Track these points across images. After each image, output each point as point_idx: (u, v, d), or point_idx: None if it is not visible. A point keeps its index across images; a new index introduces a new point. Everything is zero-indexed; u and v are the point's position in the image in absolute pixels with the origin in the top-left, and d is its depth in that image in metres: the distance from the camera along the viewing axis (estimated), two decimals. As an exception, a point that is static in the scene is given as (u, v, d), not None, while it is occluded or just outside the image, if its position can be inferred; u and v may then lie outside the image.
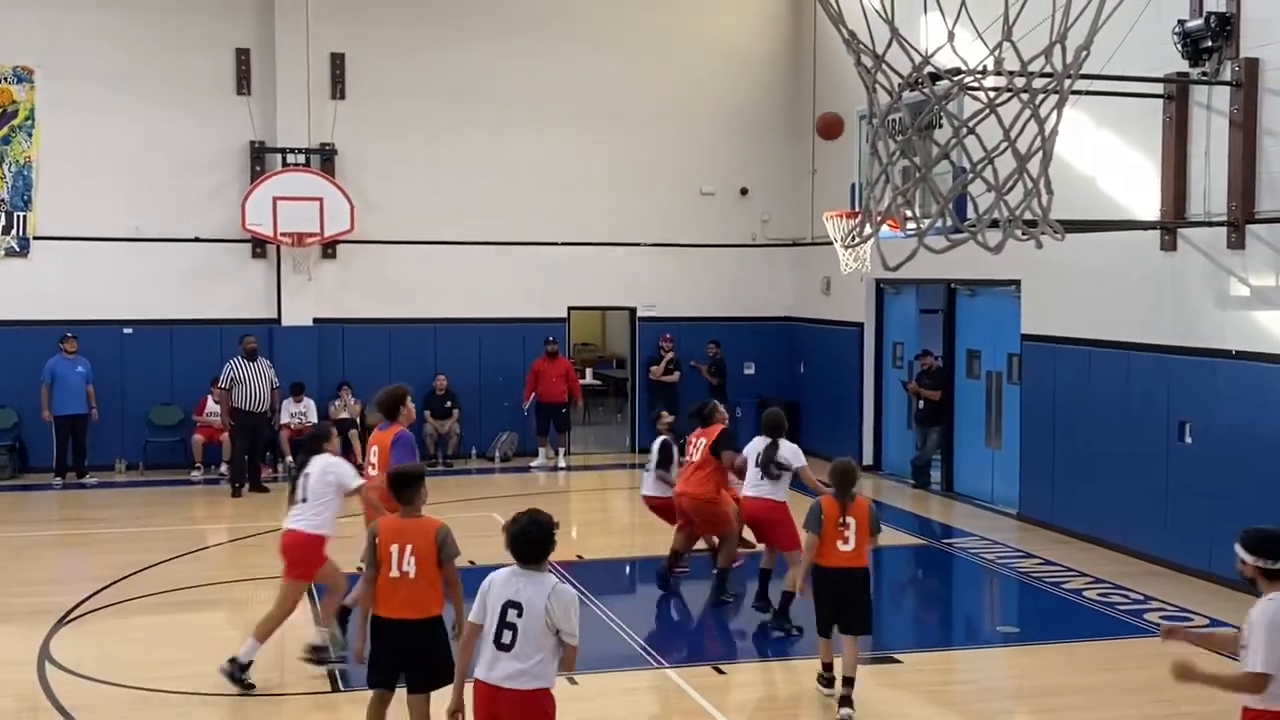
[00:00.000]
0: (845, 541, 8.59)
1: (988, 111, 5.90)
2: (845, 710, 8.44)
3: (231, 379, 16.77)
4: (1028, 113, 5.84)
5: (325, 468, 9.06)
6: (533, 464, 19.23)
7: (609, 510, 17.36)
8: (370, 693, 7.33)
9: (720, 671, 9.63)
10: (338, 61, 18.93)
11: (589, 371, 24.87)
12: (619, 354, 25.31)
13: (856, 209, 14.48)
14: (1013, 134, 5.83)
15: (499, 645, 5.88)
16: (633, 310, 20.71)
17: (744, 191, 20.77)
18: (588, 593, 11.60)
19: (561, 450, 19.25)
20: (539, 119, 19.72)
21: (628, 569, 13.41)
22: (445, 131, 19.40)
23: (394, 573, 6.93)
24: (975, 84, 6.07)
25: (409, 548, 6.92)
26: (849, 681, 8.50)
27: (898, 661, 9.80)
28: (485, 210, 19.58)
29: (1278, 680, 5.51)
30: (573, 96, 19.85)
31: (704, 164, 20.55)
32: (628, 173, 20.11)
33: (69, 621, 10.71)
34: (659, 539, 13.64)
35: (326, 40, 18.87)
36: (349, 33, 19.01)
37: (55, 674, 9.29)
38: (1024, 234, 6.09)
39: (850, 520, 8.59)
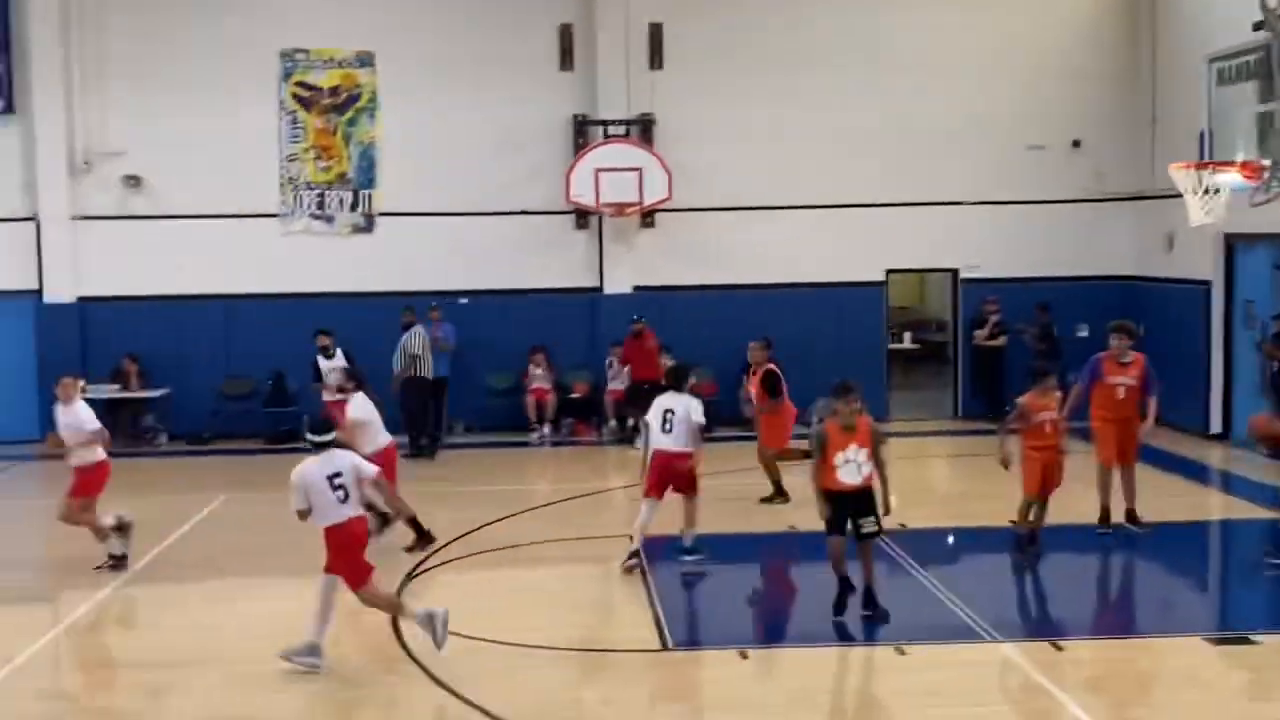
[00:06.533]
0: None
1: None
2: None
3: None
4: None
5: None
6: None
7: (930, 478, 16.90)
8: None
9: (1058, 648, 9.19)
10: (656, 32, 19.15)
11: (907, 335, 24.34)
12: (939, 317, 24.63)
13: (1206, 159, 13.54)
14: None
15: None
16: (955, 272, 20.07)
17: (1076, 144, 19.68)
18: (912, 562, 11.35)
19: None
20: (855, 78, 19.31)
21: (951, 538, 13.03)
22: (760, 96, 19.29)
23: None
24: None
25: None
26: None
27: (1252, 643, 9.10)
28: (802, 174, 19.39)
29: None
30: (889, 52, 19.35)
31: (1031, 116, 19.59)
32: (949, 128, 19.41)
33: (416, 576, 11.37)
34: (984, 506, 13.22)
35: (645, 11, 19.12)
36: (667, 2, 19.20)
37: (406, 624, 9.86)
38: None
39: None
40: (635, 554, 11.23)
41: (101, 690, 8.66)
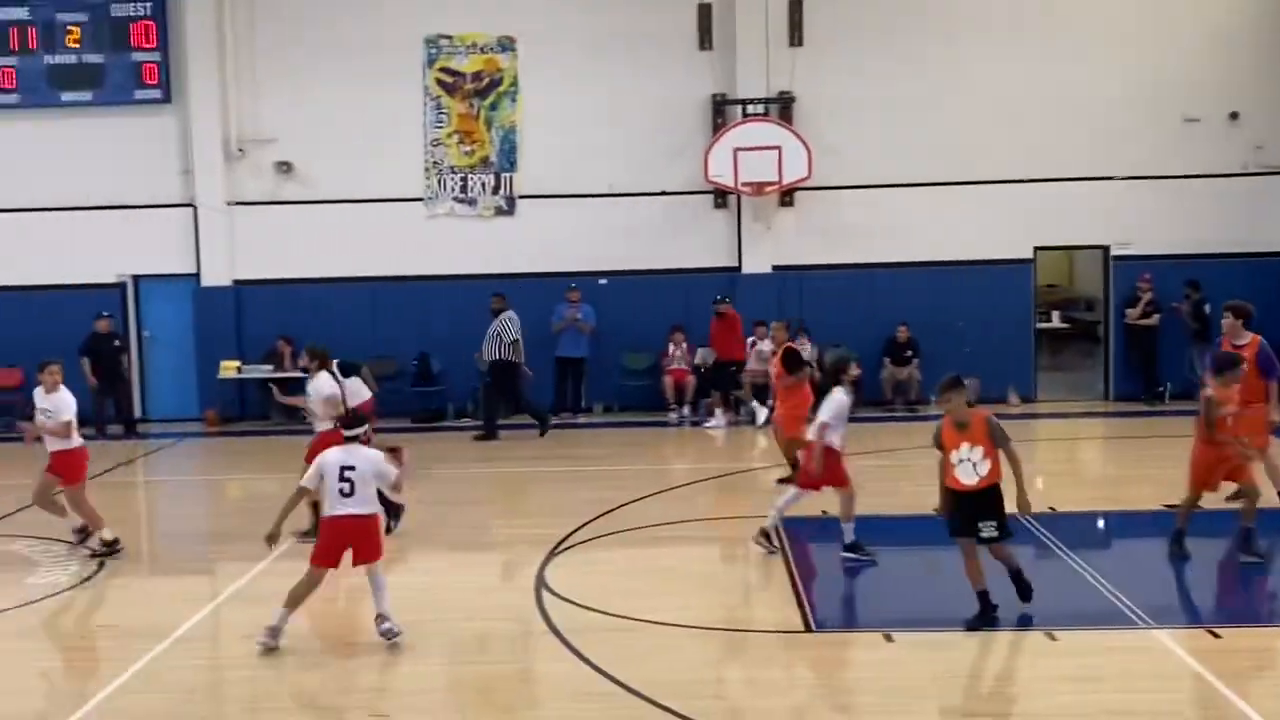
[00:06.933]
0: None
1: None
2: None
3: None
4: None
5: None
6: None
7: (1081, 461, 16.48)
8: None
9: (1215, 635, 8.88)
10: (795, 8, 18.96)
11: (1055, 314, 23.74)
12: (1089, 295, 23.97)
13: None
14: None
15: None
16: (1106, 249, 19.48)
17: (1234, 116, 18.94)
18: (1063, 546, 11.08)
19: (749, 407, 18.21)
20: (999, 49, 18.91)
21: (1102, 522, 12.68)
22: (901, 72, 19.01)
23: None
24: None
25: None
26: None
27: None
28: (945, 150, 19.04)
29: None
30: (1036, 25, 18.90)
31: (1186, 87, 18.93)
32: (1100, 102, 18.86)
33: (560, 552, 11.51)
34: (1136, 490, 12.84)
35: (784, -13, 18.99)
36: (806, -22, 19.01)
37: (550, 600, 10.00)
38: None
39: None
40: (766, 536, 11.16)
41: (251, 661, 8.95)
